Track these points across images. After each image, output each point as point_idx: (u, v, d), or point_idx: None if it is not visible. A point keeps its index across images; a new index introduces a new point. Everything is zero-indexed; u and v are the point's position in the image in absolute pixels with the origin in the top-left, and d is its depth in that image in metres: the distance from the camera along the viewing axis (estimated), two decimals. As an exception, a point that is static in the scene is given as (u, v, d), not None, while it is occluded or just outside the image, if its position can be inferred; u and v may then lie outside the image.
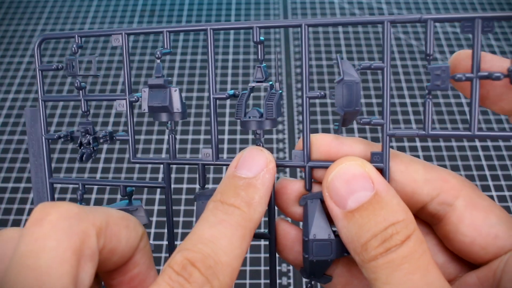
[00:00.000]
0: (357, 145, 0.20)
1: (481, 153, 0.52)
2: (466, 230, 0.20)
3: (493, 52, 0.63)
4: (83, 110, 0.23)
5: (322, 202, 0.20)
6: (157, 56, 0.22)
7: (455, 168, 0.50)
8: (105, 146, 0.52)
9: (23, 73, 0.62)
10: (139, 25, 0.68)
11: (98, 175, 0.50)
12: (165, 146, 0.53)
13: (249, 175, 0.19)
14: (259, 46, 0.21)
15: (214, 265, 0.17)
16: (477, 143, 0.53)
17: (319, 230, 0.20)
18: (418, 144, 0.53)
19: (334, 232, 0.20)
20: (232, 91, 0.22)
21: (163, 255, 0.44)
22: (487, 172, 0.50)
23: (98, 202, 0.48)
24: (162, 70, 0.22)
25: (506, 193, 0.48)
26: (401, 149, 0.52)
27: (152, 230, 0.46)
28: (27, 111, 0.23)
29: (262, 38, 0.21)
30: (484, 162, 0.51)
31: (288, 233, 0.21)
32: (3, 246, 0.17)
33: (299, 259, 0.21)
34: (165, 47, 0.22)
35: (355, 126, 0.54)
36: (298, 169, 0.51)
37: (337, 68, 0.20)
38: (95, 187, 0.50)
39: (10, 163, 0.53)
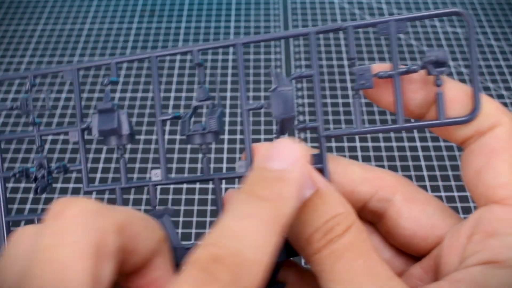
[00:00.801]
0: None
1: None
2: (405, 223, 0.21)
3: (493, 52, 0.63)
4: (37, 145, 0.24)
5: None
6: (104, 83, 0.23)
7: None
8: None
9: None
10: (139, 25, 0.68)
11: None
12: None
13: (280, 168, 0.18)
14: (199, 68, 0.22)
15: (241, 263, 0.16)
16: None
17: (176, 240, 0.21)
18: (394, 144, 0.53)
19: None
20: (178, 112, 0.23)
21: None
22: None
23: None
24: (110, 95, 0.23)
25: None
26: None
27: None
28: None
29: (201, 60, 0.22)
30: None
31: None
32: (19, 245, 0.17)
33: None
34: (113, 75, 0.24)
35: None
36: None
37: (273, 80, 0.21)
38: None
39: (10, 163, 0.53)
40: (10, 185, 0.51)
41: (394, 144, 0.53)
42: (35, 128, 0.24)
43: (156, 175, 0.22)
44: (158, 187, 0.23)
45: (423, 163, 0.51)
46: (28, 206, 0.48)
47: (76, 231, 0.16)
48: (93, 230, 0.16)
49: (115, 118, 0.23)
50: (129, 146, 0.53)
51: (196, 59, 0.22)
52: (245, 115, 0.22)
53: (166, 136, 0.53)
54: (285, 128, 0.21)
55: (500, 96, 0.58)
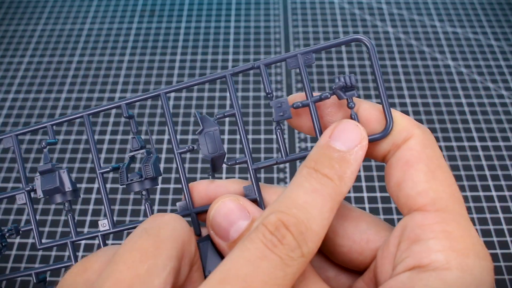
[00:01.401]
0: (231, 184, 0.23)
1: (477, 153, 0.52)
2: (341, 241, 0.22)
3: (493, 52, 0.63)
4: None
5: (211, 241, 0.22)
6: (42, 146, 0.24)
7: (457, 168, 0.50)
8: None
9: (23, 73, 0.62)
10: (139, 25, 0.68)
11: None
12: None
13: (343, 149, 0.19)
14: (130, 120, 0.24)
15: (306, 232, 0.17)
16: (476, 143, 0.53)
17: (214, 267, 0.21)
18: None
19: None
20: (117, 164, 0.24)
21: None
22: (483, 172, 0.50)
23: None
24: (48, 156, 0.24)
25: (506, 193, 0.48)
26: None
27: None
28: None
29: (130, 113, 0.24)
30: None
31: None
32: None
33: None
34: (50, 137, 0.24)
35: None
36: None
37: (199, 122, 0.23)
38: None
39: (10, 163, 0.53)
40: None
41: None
42: None
43: (103, 225, 0.24)
44: (110, 235, 0.27)
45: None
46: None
47: (175, 221, 0.19)
48: (184, 231, 0.19)
49: (56, 177, 0.24)
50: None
51: (124, 113, 0.24)
52: (177, 158, 0.23)
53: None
54: (216, 165, 0.23)
55: (500, 96, 0.58)
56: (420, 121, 0.55)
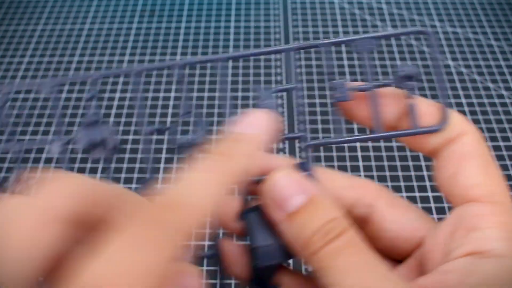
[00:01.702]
0: (282, 160, 0.23)
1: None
2: (389, 226, 0.22)
3: (493, 52, 0.63)
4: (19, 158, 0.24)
5: (261, 213, 0.22)
6: (89, 97, 0.24)
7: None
8: None
9: (23, 73, 0.62)
10: (139, 25, 0.68)
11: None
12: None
13: (242, 131, 0.20)
14: (181, 82, 0.24)
15: (185, 207, 0.17)
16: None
17: (264, 237, 0.21)
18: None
19: (276, 238, 0.21)
20: (161, 126, 0.24)
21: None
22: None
23: None
24: (95, 109, 0.24)
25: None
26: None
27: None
28: None
29: (182, 75, 0.24)
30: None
31: (233, 249, 0.23)
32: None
33: (244, 273, 0.22)
34: (94, 90, 0.24)
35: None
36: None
37: (257, 94, 0.23)
38: None
39: (10, 163, 0.53)
40: None
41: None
42: (15, 140, 0.24)
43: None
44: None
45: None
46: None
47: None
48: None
49: (101, 131, 0.23)
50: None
51: (178, 75, 0.24)
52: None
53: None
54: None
55: (500, 96, 0.58)
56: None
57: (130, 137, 0.55)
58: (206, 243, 0.45)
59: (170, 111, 0.56)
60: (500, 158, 0.51)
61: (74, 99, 0.59)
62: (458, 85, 0.59)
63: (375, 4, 0.71)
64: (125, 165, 0.51)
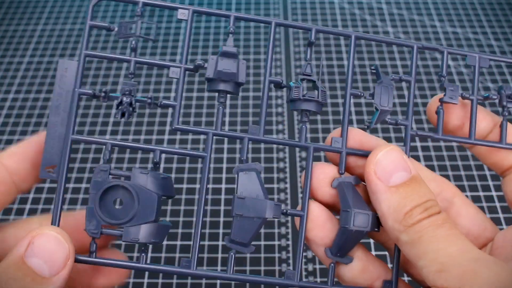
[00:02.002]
0: (381, 140, 0.25)
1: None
2: (463, 222, 0.25)
3: (493, 52, 0.63)
4: (131, 72, 0.23)
5: (353, 184, 0.24)
6: (230, 31, 0.24)
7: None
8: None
9: (23, 73, 0.62)
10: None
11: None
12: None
13: (44, 272, 0.18)
14: (309, 47, 0.25)
15: None
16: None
17: (357, 205, 0.23)
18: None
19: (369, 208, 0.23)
20: (291, 82, 0.25)
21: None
22: (487, 173, 0.50)
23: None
24: (233, 42, 0.24)
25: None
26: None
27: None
28: (62, 63, 0.23)
29: (312, 40, 0.25)
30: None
31: (321, 212, 0.24)
32: None
33: (326, 238, 0.24)
34: (231, 29, 0.24)
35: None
36: (298, 171, 0.51)
37: (375, 75, 0.25)
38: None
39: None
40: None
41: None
42: (134, 54, 0.24)
43: (254, 129, 0.24)
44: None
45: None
46: (28, 206, 0.48)
47: None
48: None
49: (236, 64, 0.23)
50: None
51: (312, 38, 0.25)
52: (348, 98, 0.24)
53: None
54: (379, 118, 0.24)
55: (500, 96, 0.58)
56: (420, 121, 0.55)
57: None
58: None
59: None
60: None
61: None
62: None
63: (375, 4, 0.71)
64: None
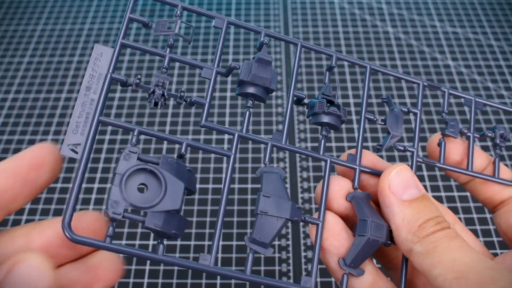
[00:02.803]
0: (389, 164, 0.26)
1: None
2: (498, 220, 0.27)
3: (493, 52, 0.63)
4: (164, 66, 0.24)
5: (367, 198, 0.25)
6: (265, 41, 0.25)
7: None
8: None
9: (23, 73, 0.62)
10: (139, 25, 0.68)
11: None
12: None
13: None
14: (328, 72, 0.27)
15: None
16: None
17: (374, 215, 0.24)
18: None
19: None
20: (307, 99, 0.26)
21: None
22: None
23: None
24: (267, 52, 0.25)
25: None
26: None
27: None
28: (97, 47, 0.23)
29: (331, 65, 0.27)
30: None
31: (337, 222, 0.25)
32: None
33: (342, 248, 0.24)
34: (265, 41, 0.25)
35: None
36: (298, 171, 0.51)
37: (386, 104, 0.28)
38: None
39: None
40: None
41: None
42: (169, 50, 0.25)
43: (278, 137, 0.24)
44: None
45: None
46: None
47: None
48: None
49: (269, 71, 0.24)
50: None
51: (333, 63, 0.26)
52: (362, 120, 0.26)
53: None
54: (390, 142, 0.26)
55: (500, 96, 0.58)
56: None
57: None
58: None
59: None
60: (500, 158, 0.51)
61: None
62: (458, 85, 0.59)
63: (375, 4, 0.71)
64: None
